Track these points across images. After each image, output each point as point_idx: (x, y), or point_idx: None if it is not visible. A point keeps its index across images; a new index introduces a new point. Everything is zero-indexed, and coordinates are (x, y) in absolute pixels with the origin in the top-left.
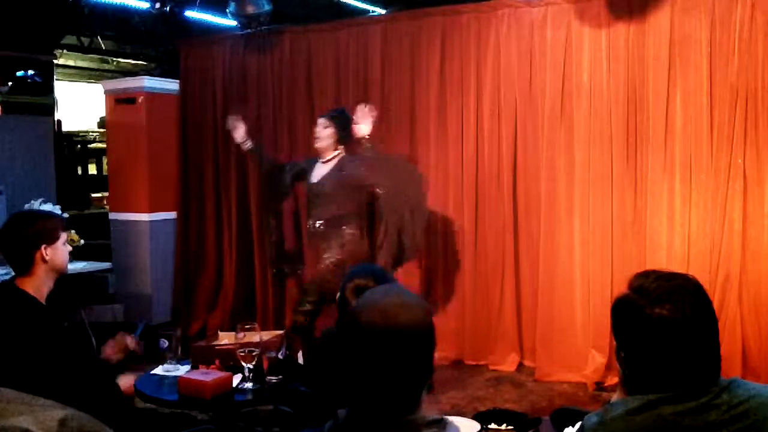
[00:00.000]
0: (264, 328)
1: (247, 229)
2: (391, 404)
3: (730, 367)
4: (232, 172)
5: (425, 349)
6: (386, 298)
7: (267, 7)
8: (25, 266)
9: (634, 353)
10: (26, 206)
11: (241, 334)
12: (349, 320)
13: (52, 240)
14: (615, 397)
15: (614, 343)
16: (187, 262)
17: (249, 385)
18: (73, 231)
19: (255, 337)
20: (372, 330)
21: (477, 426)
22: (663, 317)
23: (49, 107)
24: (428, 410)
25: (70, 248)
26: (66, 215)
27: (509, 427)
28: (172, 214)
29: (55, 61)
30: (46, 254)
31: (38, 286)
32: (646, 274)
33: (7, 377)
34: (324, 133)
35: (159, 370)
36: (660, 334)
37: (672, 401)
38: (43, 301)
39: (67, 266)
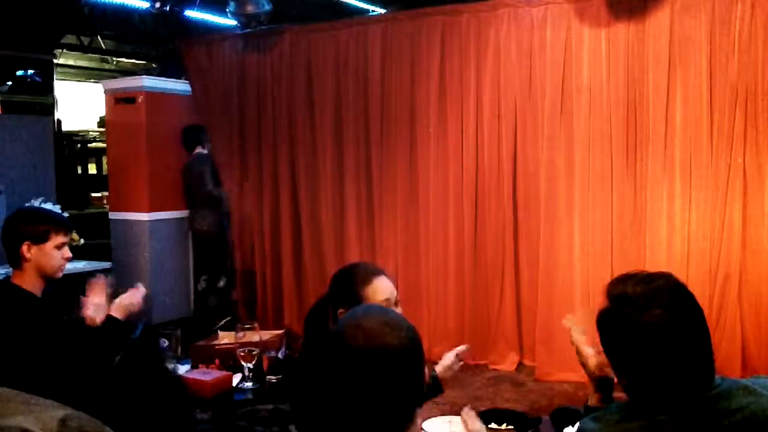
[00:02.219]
0: (264, 328)
1: (249, 228)
2: (379, 427)
3: (730, 367)
4: (235, 172)
5: (412, 369)
6: (369, 319)
7: (267, 7)
8: (14, 260)
9: (631, 363)
10: (26, 205)
11: (241, 334)
12: (332, 341)
13: (37, 240)
14: (591, 400)
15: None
16: None
17: (249, 384)
18: (73, 232)
19: (255, 336)
20: (360, 353)
21: None
22: (656, 322)
23: (49, 107)
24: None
25: (67, 254)
26: (66, 214)
27: (509, 427)
28: (172, 214)
29: (55, 61)
30: (29, 253)
31: (31, 282)
32: (622, 281)
33: (4, 369)
34: None
35: None
36: (656, 338)
37: (669, 408)
38: (38, 295)
39: (55, 271)
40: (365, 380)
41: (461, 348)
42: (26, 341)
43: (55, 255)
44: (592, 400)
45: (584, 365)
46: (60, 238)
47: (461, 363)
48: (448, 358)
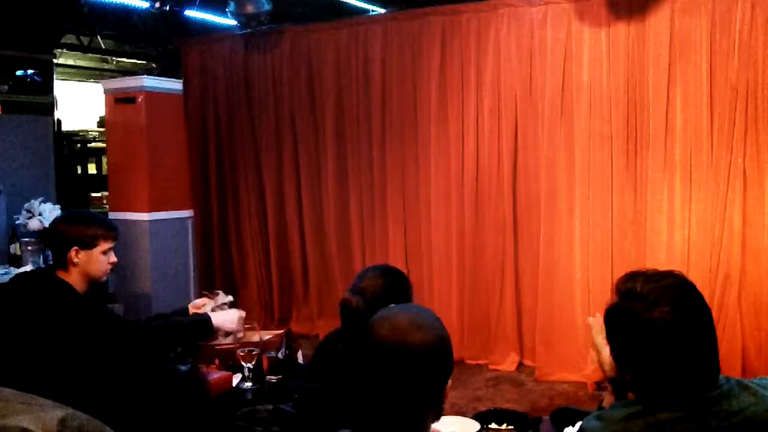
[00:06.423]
0: (267, 327)
1: (260, 228)
2: (392, 425)
3: (730, 367)
4: (240, 173)
5: (433, 373)
6: (401, 315)
7: (266, 7)
8: (61, 262)
9: (637, 359)
10: (26, 205)
11: (240, 334)
12: (363, 333)
13: (86, 246)
14: (606, 402)
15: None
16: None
17: (249, 384)
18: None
19: (255, 336)
20: (381, 345)
21: (477, 426)
22: (665, 320)
23: (49, 106)
24: None
25: (112, 259)
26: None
27: (509, 427)
28: (172, 214)
29: (55, 61)
30: (77, 258)
31: (75, 282)
32: (631, 277)
33: (38, 358)
34: None
35: None
36: (663, 336)
37: (672, 407)
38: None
39: (100, 275)
40: (380, 372)
41: None
42: (64, 332)
43: (101, 260)
44: (606, 402)
45: (602, 366)
46: (108, 244)
47: None
48: None
